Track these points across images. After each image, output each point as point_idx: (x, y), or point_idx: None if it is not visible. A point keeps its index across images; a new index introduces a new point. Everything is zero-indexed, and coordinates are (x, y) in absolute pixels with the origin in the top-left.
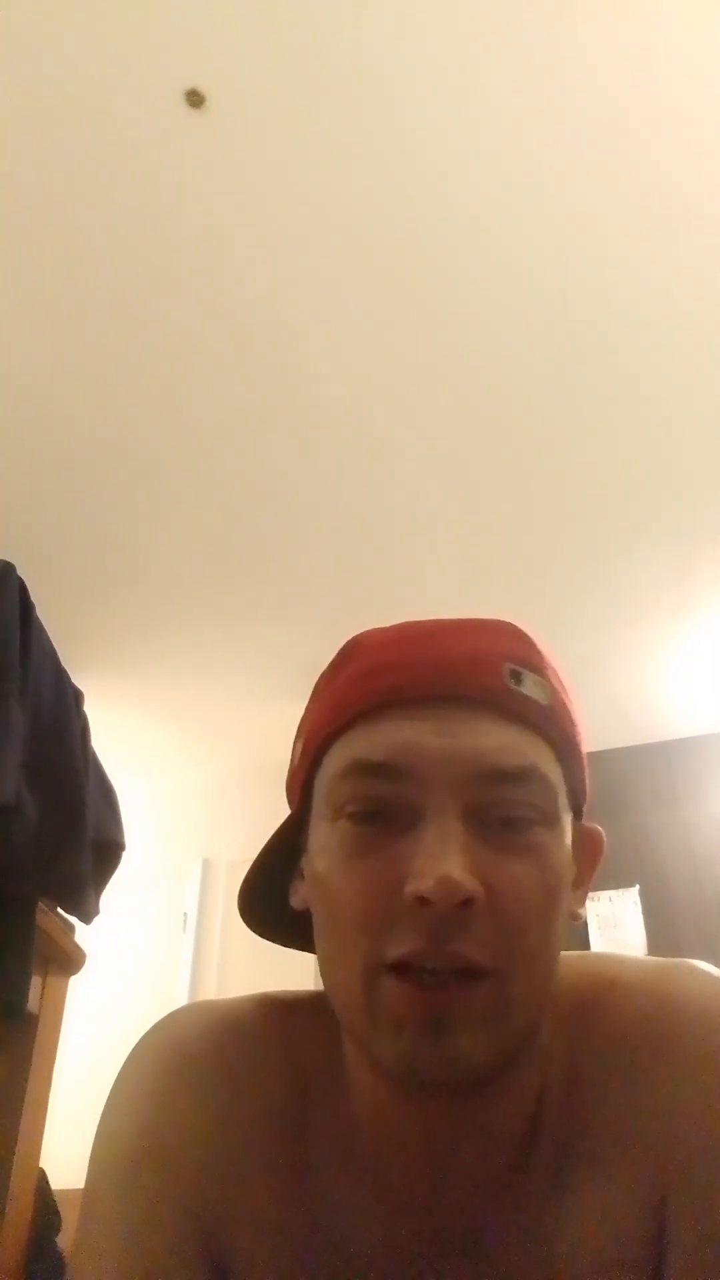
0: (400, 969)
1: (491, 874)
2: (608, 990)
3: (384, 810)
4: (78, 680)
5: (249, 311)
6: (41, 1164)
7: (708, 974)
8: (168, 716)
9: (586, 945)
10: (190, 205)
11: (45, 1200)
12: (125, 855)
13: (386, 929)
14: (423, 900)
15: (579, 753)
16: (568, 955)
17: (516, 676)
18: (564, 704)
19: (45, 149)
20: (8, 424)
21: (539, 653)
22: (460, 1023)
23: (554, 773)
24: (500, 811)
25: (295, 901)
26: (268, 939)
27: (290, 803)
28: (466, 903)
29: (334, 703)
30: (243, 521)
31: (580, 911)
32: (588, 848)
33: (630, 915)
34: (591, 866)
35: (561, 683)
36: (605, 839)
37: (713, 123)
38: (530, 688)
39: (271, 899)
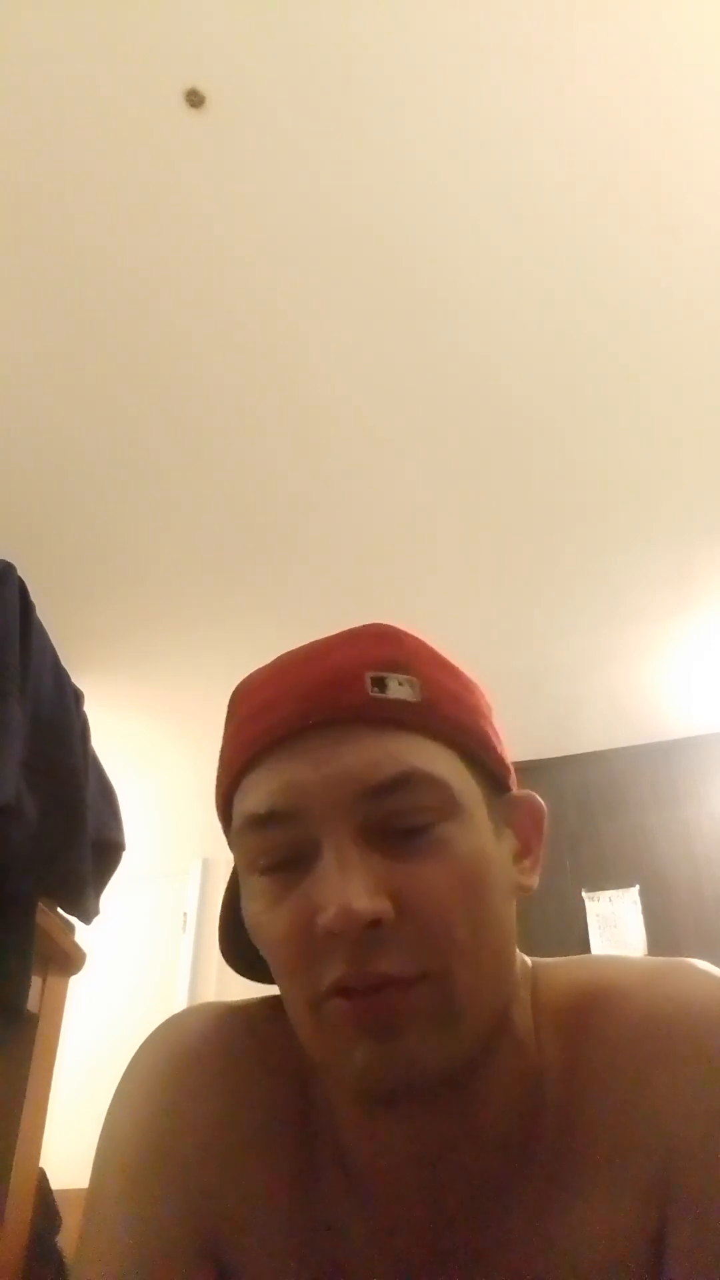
0: (335, 993)
1: (400, 884)
2: (606, 992)
3: (286, 854)
4: (78, 680)
5: (248, 312)
6: (41, 1164)
7: (707, 974)
8: (168, 716)
9: (586, 945)
10: (190, 206)
11: (45, 1200)
12: (125, 855)
13: (314, 963)
14: (330, 933)
15: (478, 733)
16: (563, 961)
17: (379, 683)
18: (443, 691)
19: (44, 149)
20: (7, 425)
21: (406, 648)
22: (407, 1026)
23: (443, 765)
24: (394, 821)
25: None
26: (256, 980)
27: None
28: (374, 923)
29: (224, 758)
30: (243, 522)
31: (529, 883)
32: (526, 816)
33: (630, 915)
34: (536, 833)
35: (444, 666)
36: (543, 804)
37: (710, 126)
38: (395, 689)
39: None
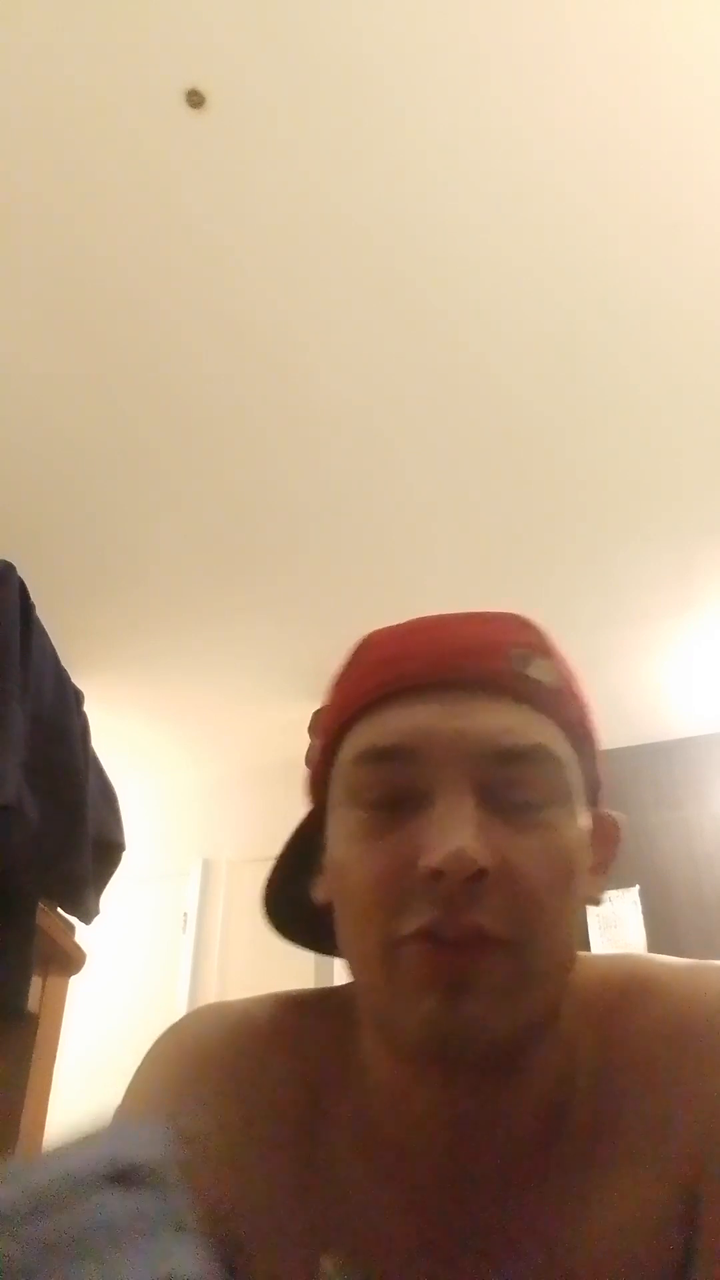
0: (418, 939)
1: (504, 847)
2: (640, 988)
3: (398, 794)
4: (78, 680)
5: (249, 312)
6: None
7: None
8: (168, 716)
9: (587, 945)
10: (190, 206)
11: None
12: (125, 855)
13: (402, 905)
14: (436, 873)
15: (591, 738)
16: (599, 956)
17: (523, 660)
18: (573, 689)
19: (44, 150)
20: (8, 425)
21: (546, 640)
22: (479, 988)
23: (565, 753)
24: (511, 791)
25: (318, 895)
26: (289, 940)
27: (310, 797)
28: (479, 874)
29: (346, 695)
30: (243, 522)
31: (599, 896)
32: (605, 834)
33: (630, 915)
34: (610, 854)
35: (570, 671)
36: (622, 828)
37: (708, 128)
38: (537, 671)
39: (289, 900)
